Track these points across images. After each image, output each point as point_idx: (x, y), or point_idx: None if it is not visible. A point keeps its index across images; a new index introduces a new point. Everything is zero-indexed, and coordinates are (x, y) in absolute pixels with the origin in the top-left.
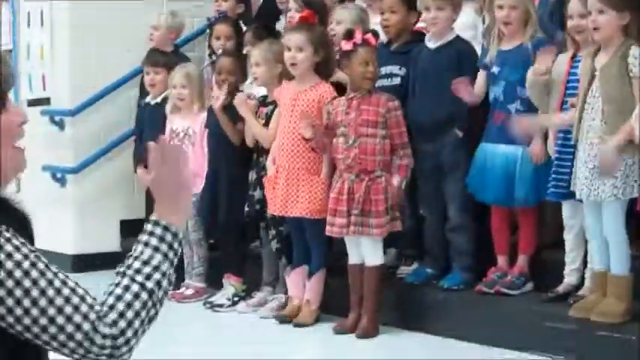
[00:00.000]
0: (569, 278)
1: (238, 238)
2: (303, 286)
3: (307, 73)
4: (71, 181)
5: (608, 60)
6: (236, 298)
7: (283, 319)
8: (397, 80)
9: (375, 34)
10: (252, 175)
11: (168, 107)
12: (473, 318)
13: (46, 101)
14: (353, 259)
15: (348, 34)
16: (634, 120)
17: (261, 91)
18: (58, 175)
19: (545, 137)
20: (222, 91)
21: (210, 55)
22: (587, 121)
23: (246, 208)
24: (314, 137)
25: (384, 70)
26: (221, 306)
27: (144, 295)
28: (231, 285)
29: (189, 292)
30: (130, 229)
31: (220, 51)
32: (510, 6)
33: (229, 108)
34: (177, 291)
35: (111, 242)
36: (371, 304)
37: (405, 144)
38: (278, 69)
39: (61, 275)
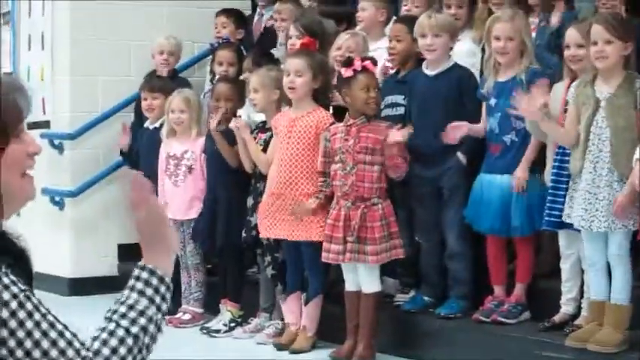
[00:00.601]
0: (566, 307)
1: (236, 264)
2: (299, 312)
3: (305, 98)
4: (70, 204)
5: (615, 91)
6: (233, 324)
7: (280, 346)
8: (401, 110)
9: (374, 61)
10: (250, 201)
11: (164, 131)
12: (469, 346)
13: (46, 124)
14: (349, 285)
15: (348, 62)
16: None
17: (260, 117)
18: (57, 199)
19: (543, 167)
20: (217, 114)
21: (211, 81)
22: (593, 152)
23: (244, 234)
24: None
25: (389, 99)
26: (218, 331)
27: (129, 341)
28: (228, 310)
29: (187, 317)
30: (128, 253)
31: (218, 77)
32: (507, 37)
33: (226, 133)
34: (175, 316)
35: (108, 266)
36: (367, 331)
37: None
38: (276, 95)
39: (49, 317)
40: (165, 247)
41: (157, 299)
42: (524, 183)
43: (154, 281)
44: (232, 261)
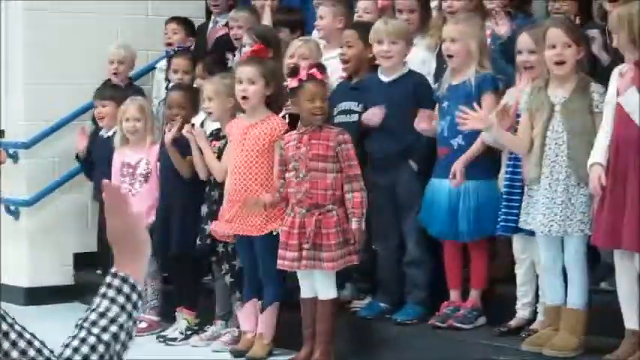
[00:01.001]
0: (522, 312)
1: (191, 272)
2: (255, 319)
3: (258, 106)
4: (25, 213)
5: (570, 95)
6: (189, 332)
7: (237, 353)
8: (355, 117)
9: (322, 68)
10: (204, 209)
11: (116, 140)
12: (426, 352)
13: (1, 133)
14: (305, 292)
15: (293, 71)
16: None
17: (214, 125)
18: (12, 208)
19: (496, 172)
20: (174, 125)
21: (167, 88)
22: (549, 157)
23: (198, 242)
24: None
25: (342, 106)
26: (174, 340)
27: (100, 348)
28: (184, 319)
29: (143, 325)
30: (84, 263)
31: (172, 84)
32: (451, 39)
33: (179, 142)
34: None
35: (65, 275)
36: (324, 337)
37: (357, 176)
38: (230, 103)
39: (17, 327)
40: (139, 254)
41: (129, 307)
42: (462, 177)
43: (126, 289)
44: (187, 269)
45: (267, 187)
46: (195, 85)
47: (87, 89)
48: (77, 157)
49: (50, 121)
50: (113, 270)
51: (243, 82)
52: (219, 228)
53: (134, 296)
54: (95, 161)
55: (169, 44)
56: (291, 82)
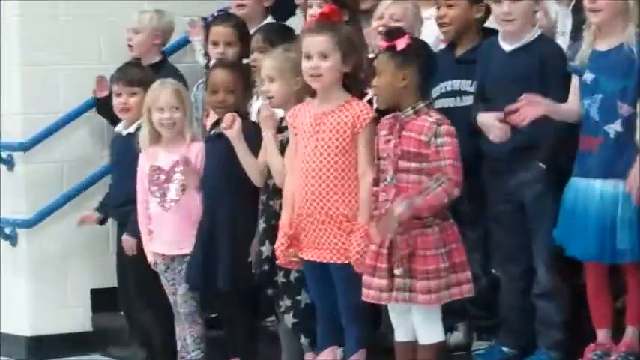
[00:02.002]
0: None
1: (246, 311)
2: None
3: (334, 87)
4: (25, 237)
5: None
6: None
7: None
8: (467, 99)
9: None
10: (261, 224)
11: (143, 137)
12: None
13: None
14: (400, 334)
15: (391, 33)
16: None
17: (278, 113)
18: (8, 231)
19: None
20: (227, 115)
21: (207, 66)
22: None
23: (254, 270)
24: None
25: (448, 85)
26: None
27: None
28: None
29: None
30: (104, 301)
31: (214, 61)
32: None
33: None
34: None
35: (79, 319)
36: None
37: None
38: (297, 84)
39: None
40: None
41: None
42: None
43: None
44: (241, 308)
45: (348, 196)
46: (247, 61)
47: (103, 71)
48: (97, 101)
49: (55, 113)
50: None
51: (313, 57)
52: (281, 259)
53: None
54: (112, 167)
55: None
56: (382, 44)
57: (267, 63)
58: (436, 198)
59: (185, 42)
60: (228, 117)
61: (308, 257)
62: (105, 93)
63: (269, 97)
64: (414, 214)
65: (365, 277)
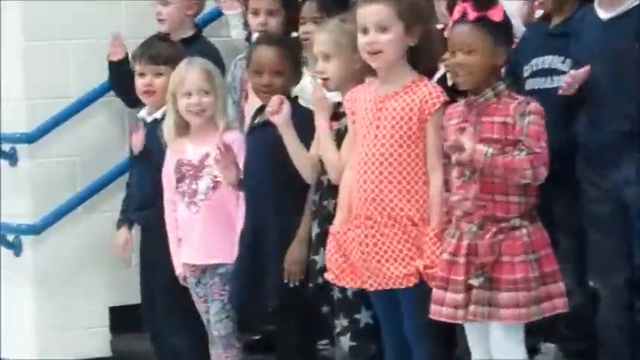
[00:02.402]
0: None
1: (297, 333)
2: None
3: (397, 65)
4: (30, 245)
5: None
6: None
7: None
8: (559, 80)
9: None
10: (315, 229)
11: (167, 127)
12: None
13: None
14: (478, 354)
15: (482, 1)
16: None
17: (333, 97)
18: (10, 238)
19: None
20: (275, 98)
21: (247, 40)
22: None
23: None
24: None
25: (539, 62)
26: None
27: None
28: None
29: None
30: (125, 322)
31: (256, 35)
32: None
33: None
34: None
35: (96, 343)
36: None
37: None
38: (357, 63)
39: None
40: None
41: None
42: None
43: None
44: (291, 328)
45: (415, 195)
46: (296, 35)
47: (128, 46)
48: (111, 72)
49: (65, 98)
50: None
51: (370, 30)
52: (333, 278)
53: None
54: (134, 161)
55: None
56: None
57: (321, 37)
58: (517, 162)
59: (220, 12)
60: (275, 100)
61: (367, 287)
62: (120, 56)
63: (324, 79)
64: (485, 164)
65: (435, 292)
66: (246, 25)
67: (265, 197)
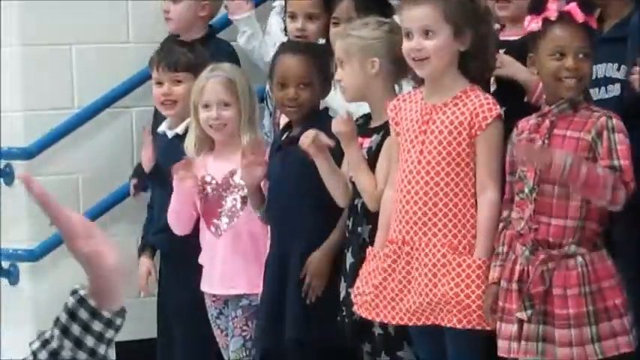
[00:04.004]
0: None
1: None
2: None
3: (447, 73)
4: (28, 274)
5: None
6: None
7: None
8: (615, 90)
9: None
10: (349, 258)
11: (189, 142)
12: None
13: None
14: None
15: (537, 4)
16: None
17: (360, 109)
18: (5, 265)
19: None
20: (308, 133)
21: None
22: None
23: (339, 319)
24: None
25: (592, 71)
26: None
27: None
28: None
29: None
30: (135, 359)
31: (285, 41)
32: None
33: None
34: None
35: None
36: None
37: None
38: (372, 68)
39: None
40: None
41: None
42: None
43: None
44: None
45: (460, 221)
46: (323, 41)
47: (131, 52)
48: (141, 174)
49: (68, 109)
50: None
51: (414, 35)
52: (367, 312)
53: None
54: (151, 180)
55: None
56: (530, 22)
57: (337, 43)
58: (602, 178)
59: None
60: (307, 136)
61: (407, 322)
62: (150, 157)
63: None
64: (568, 178)
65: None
66: (285, 30)
67: (292, 224)
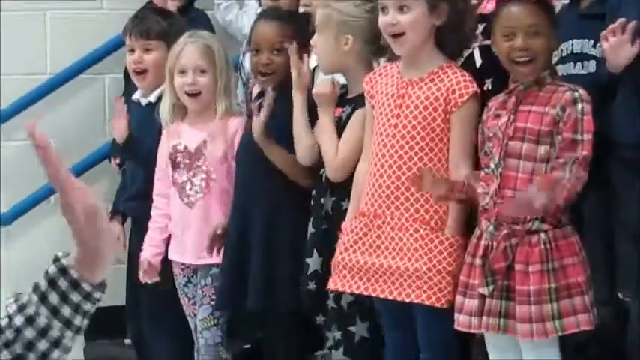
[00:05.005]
0: None
1: (291, 342)
2: None
3: (423, 48)
4: (1, 238)
5: None
6: None
7: None
8: (590, 66)
9: None
10: (311, 230)
11: (163, 109)
12: None
13: None
14: None
15: None
16: None
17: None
18: None
19: None
20: (267, 93)
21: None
22: None
23: (302, 289)
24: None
25: (568, 47)
26: None
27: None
28: None
29: None
30: (103, 326)
31: (259, 11)
32: None
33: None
34: None
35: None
36: None
37: (582, 160)
38: (345, 45)
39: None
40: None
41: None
42: None
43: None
44: (284, 337)
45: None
46: (303, 11)
47: (105, 19)
48: (115, 145)
49: (40, 74)
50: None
51: (389, 9)
52: (335, 284)
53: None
54: (124, 149)
55: None
56: (486, 3)
57: (318, 10)
58: (571, 184)
59: None
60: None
61: (377, 294)
62: (123, 126)
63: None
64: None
65: (457, 299)
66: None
67: (256, 191)
